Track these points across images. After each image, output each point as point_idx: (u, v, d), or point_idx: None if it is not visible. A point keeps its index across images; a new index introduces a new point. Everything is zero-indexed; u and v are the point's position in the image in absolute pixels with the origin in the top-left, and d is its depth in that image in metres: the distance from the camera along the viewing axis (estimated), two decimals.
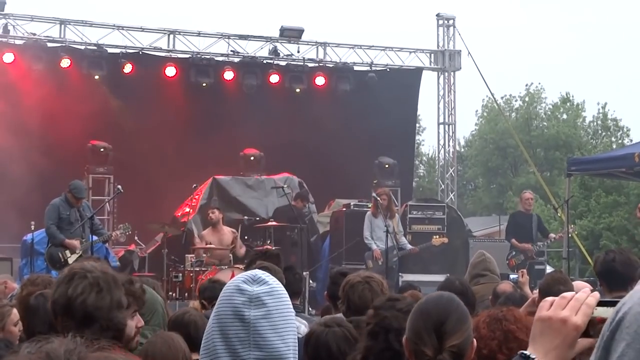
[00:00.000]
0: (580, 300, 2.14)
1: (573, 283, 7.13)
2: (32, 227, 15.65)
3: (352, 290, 5.62)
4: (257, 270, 2.79)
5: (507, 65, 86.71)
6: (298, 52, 21.68)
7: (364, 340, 4.17)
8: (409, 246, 16.04)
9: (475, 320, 3.75)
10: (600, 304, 2.17)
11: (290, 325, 2.72)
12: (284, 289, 2.77)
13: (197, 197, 17.25)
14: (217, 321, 2.71)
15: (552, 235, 17.17)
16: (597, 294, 2.17)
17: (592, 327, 2.16)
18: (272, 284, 2.72)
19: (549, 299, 2.20)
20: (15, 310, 5.69)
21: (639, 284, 1.52)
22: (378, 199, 15.39)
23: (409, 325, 3.39)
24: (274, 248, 13.97)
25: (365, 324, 4.19)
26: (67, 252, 13.37)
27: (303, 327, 6.30)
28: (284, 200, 16.84)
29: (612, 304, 2.05)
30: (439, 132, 23.20)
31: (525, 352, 2.21)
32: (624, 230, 38.62)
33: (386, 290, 5.73)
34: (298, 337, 2.88)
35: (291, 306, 2.78)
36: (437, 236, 16.45)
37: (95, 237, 13.51)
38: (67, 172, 18.00)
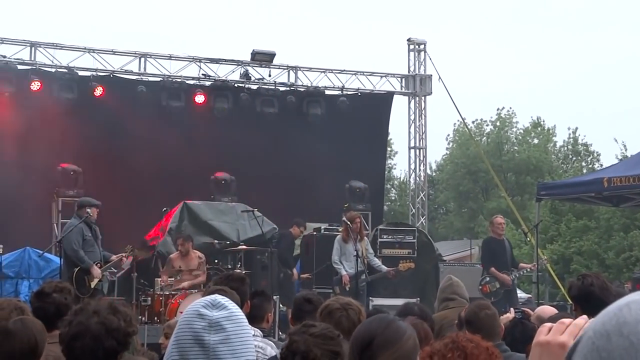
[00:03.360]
0: (578, 325, 2.13)
1: (539, 307, 7.20)
2: (0, 250, 15.53)
3: (330, 316, 5.63)
4: (216, 295, 2.79)
5: (479, 90, 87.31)
6: (269, 75, 21.72)
7: None
8: (385, 267, 15.68)
9: (435, 351, 3.71)
10: None
11: (249, 350, 2.72)
12: (242, 313, 2.76)
13: (167, 220, 17.18)
14: (176, 346, 2.70)
15: (525, 265, 17.01)
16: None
17: None
18: (231, 309, 2.72)
19: (548, 324, 2.19)
20: None
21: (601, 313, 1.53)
22: (349, 223, 15.20)
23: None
24: (243, 272, 13.89)
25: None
26: (90, 276, 13.49)
27: (269, 349, 6.29)
28: (254, 224, 16.82)
29: None
30: (409, 156, 23.28)
31: None
32: (594, 255, 38.80)
33: (364, 317, 5.71)
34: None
35: (250, 331, 2.78)
36: (404, 261, 16.23)
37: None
38: (36, 195, 17.93)
